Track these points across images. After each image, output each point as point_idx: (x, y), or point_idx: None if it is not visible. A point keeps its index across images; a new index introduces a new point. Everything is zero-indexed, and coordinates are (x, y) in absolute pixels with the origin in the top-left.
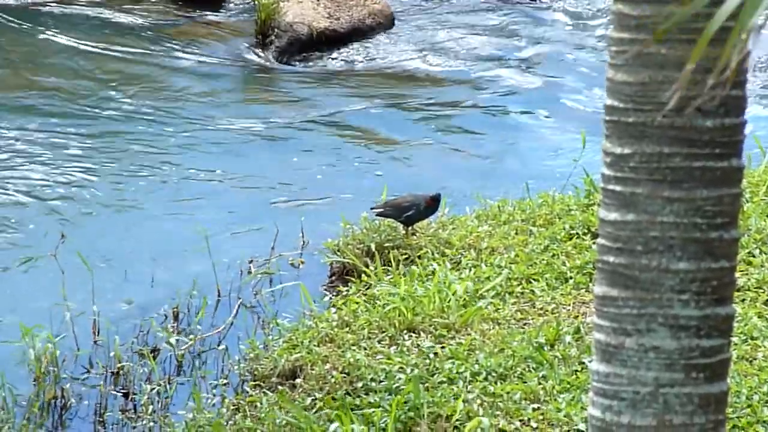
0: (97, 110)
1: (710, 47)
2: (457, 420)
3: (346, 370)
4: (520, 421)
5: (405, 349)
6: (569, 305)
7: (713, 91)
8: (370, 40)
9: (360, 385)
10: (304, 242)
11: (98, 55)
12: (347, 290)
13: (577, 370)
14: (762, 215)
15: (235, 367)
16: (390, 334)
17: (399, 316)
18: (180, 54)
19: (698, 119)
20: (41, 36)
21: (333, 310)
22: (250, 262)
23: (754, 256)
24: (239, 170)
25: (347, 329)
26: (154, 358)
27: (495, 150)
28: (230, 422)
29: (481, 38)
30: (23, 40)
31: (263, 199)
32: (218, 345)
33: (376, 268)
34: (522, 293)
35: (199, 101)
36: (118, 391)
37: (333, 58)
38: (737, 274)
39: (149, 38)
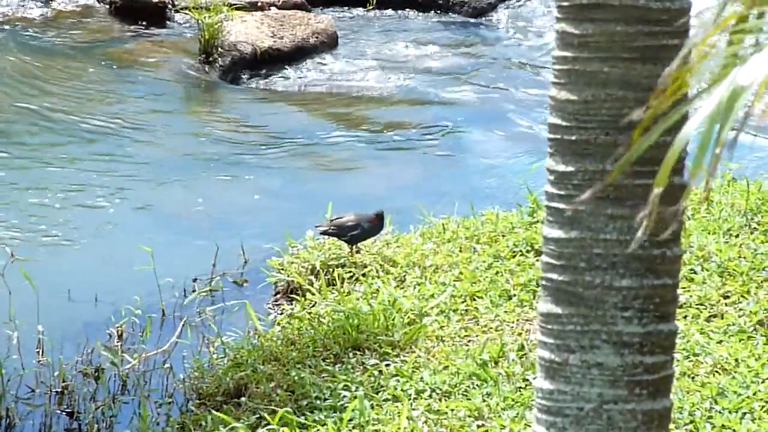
0: (38, 129)
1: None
2: None
3: (291, 388)
4: None
5: (350, 367)
6: (513, 322)
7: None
8: (314, 58)
9: (305, 402)
10: (245, 261)
11: (42, 74)
12: (292, 308)
13: (521, 387)
14: (704, 232)
15: (180, 386)
16: (335, 352)
17: (344, 334)
18: (124, 72)
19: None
20: None
21: (278, 328)
22: (194, 280)
23: (695, 273)
24: (180, 188)
25: (292, 347)
26: (99, 377)
27: (439, 167)
28: None
29: (426, 57)
30: None
31: (205, 218)
32: (163, 364)
33: (320, 287)
34: (466, 311)
35: (142, 119)
36: (63, 411)
37: (277, 77)
38: (679, 291)
39: (93, 56)
